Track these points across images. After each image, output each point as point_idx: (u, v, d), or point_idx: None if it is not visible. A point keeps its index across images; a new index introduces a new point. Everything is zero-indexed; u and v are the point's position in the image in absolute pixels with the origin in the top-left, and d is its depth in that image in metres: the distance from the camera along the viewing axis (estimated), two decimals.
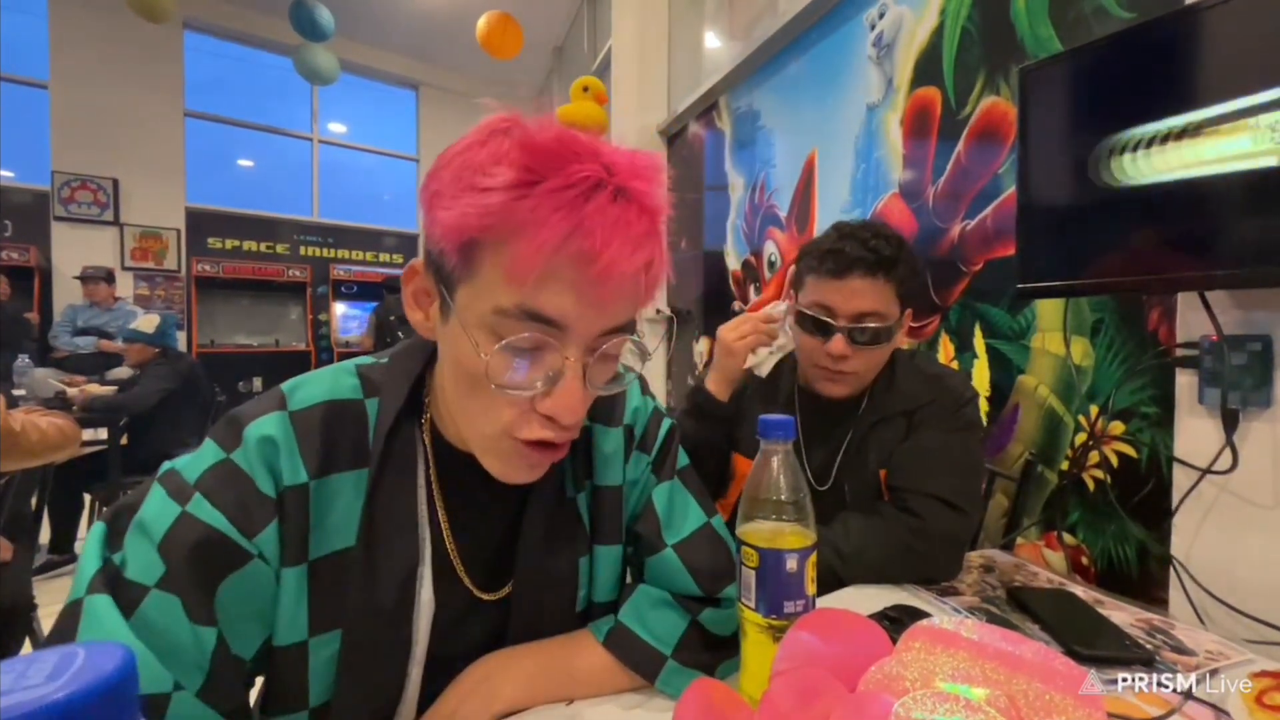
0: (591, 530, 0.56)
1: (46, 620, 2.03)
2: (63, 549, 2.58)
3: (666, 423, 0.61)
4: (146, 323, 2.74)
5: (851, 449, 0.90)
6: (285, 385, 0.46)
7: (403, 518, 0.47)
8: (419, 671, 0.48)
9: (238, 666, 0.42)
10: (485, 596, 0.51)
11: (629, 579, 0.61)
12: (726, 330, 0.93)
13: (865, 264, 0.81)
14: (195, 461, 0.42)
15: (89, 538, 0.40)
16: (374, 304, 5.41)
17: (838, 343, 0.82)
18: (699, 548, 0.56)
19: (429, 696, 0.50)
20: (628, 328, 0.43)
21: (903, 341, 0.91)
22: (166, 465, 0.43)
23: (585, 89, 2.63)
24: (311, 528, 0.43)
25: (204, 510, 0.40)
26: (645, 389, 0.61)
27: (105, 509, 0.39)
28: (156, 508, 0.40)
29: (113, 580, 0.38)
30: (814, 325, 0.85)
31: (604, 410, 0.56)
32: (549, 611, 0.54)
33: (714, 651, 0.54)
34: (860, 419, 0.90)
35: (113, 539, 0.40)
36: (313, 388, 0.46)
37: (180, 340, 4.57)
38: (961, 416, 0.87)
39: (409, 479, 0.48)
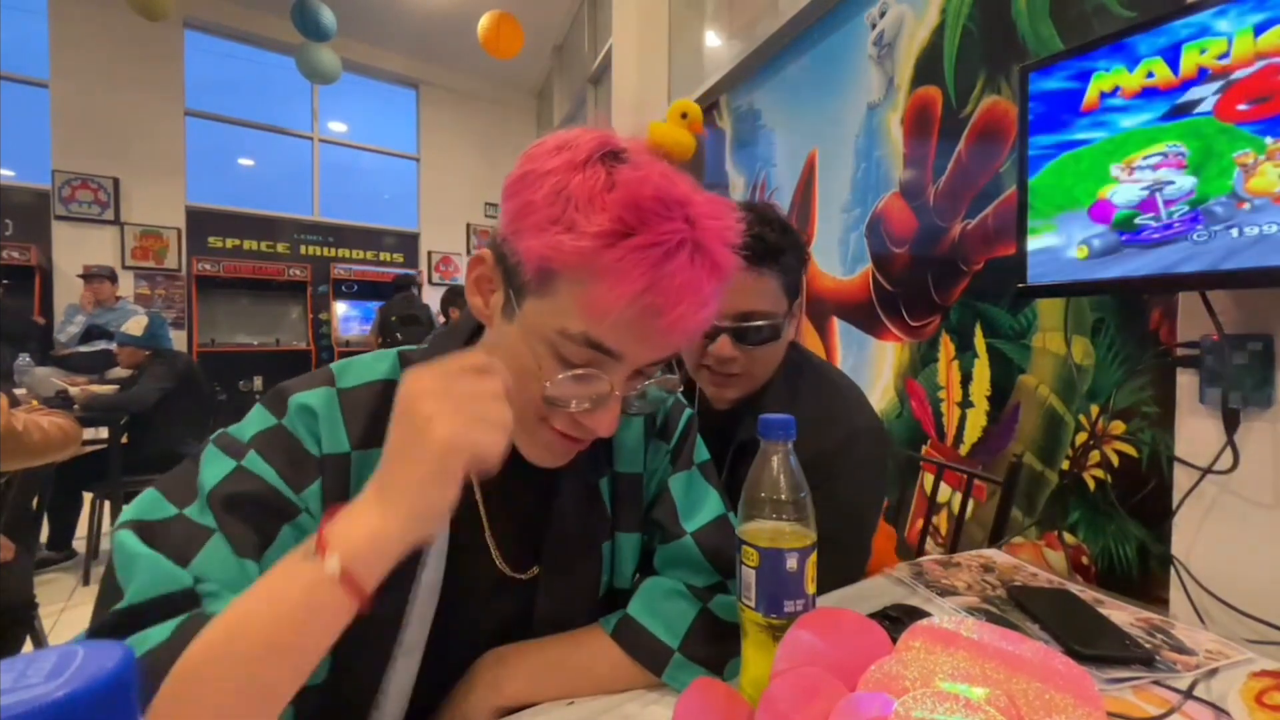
0: (613, 516, 0.57)
1: (47, 620, 2.03)
2: (60, 546, 2.58)
3: (687, 413, 0.62)
4: (135, 325, 2.72)
5: (738, 460, 0.80)
6: (334, 366, 0.50)
7: None
8: (410, 662, 0.48)
9: None
10: (515, 575, 0.53)
11: (640, 574, 0.60)
12: None
13: (743, 257, 0.69)
14: (246, 426, 0.45)
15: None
16: (375, 303, 5.43)
17: (722, 344, 0.76)
18: (717, 534, 0.56)
19: (445, 669, 0.50)
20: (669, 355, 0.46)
21: (799, 336, 0.82)
22: (218, 432, 0.46)
23: (684, 115, 2.38)
24: (350, 495, 0.44)
25: (258, 465, 0.43)
26: None
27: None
28: (214, 467, 0.43)
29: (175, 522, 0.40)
30: None
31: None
32: (575, 592, 0.55)
33: (722, 644, 0.52)
34: (749, 427, 0.79)
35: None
36: (359, 369, 0.50)
37: (179, 339, 4.57)
38: (854, 455, 0.77)
39: None
